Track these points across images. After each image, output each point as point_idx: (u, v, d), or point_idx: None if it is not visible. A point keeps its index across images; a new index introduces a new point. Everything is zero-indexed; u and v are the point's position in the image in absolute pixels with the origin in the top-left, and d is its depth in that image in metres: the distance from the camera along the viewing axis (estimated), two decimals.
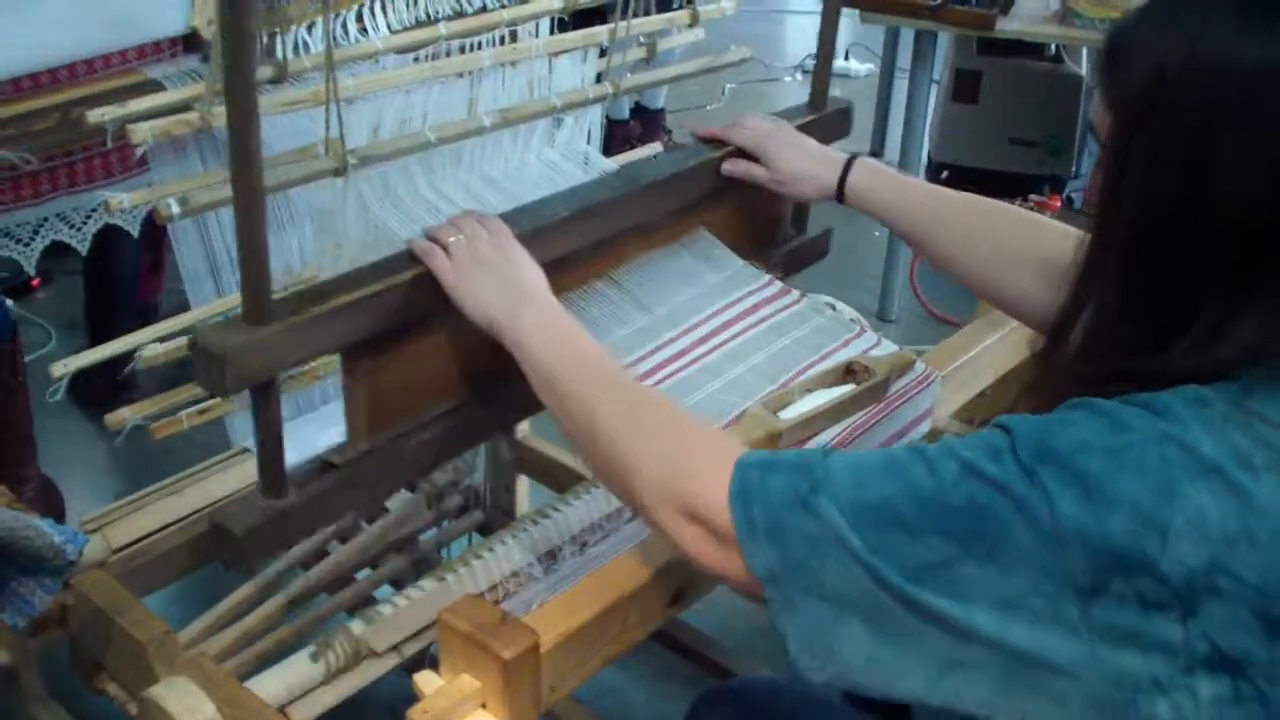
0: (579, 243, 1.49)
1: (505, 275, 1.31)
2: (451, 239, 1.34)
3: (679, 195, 1.61)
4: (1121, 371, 0.98)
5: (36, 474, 2.60)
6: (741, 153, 1.65)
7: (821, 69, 1.82)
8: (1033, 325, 1.40)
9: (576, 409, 1.20)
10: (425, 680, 1.18)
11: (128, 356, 1.45)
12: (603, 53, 1.74)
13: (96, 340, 2.84)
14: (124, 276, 2.96)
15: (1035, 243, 1.44)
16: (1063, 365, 1.06)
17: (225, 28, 1.07)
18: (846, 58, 6.09)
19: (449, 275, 1.32)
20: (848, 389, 1.43)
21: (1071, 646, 0.91)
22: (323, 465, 1.37)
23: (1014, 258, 1.45)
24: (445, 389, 1.45)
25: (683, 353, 1.49)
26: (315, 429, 1.66)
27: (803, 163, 1.62)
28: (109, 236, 1.93)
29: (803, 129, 1.70)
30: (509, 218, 1.41)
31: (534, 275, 1.32)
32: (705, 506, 1.06)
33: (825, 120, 1.81)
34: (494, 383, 1.45)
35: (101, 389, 2.90)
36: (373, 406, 1.37)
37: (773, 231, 1.84)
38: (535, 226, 1.42)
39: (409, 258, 1.34)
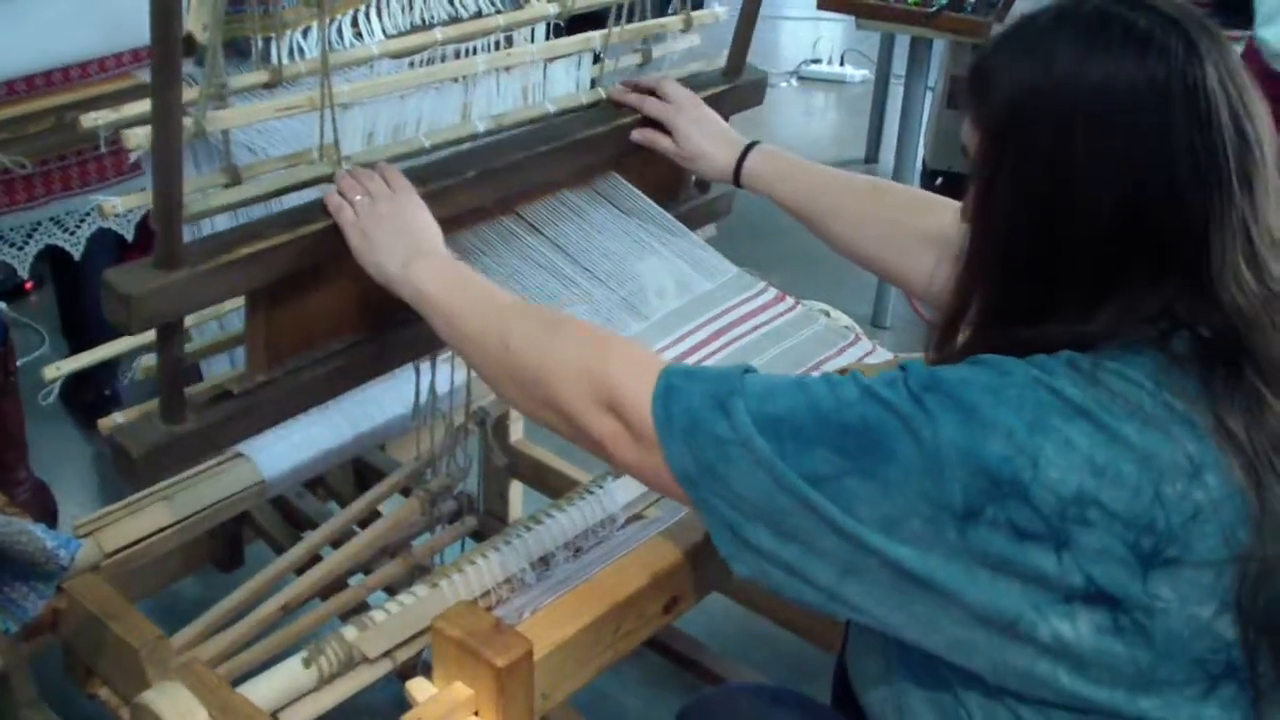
0: (486, 199, 1.55)
1: (401, 232, 1.38)
2: (357, 197, 1.40)
3: (588, 154, 1.66)
4: (1004, 345, 1.05)
5: (29, 477, 2.60)
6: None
7: (743, 33, 1.84)
8: (931, 302, 1.46)
9: (489, 339, 1.27)
10: (418, 688, 1.18)
11: (114, 369, 1.47)
12: (597, 59, 1.74)
13: (76, 350, 2.85)
14: (99, 297, 2.94)
15: (929, 221, 1.51)
16: (956, 353, 1.12)
17: None
18: (841, 63, 6.09)
19: (352, 232, 1.38)
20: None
21: (951, 569, 0.98)
22: (221, 393, 1.44)
23: (909, 237, 1.53)
24: (341, 328, 1.52)
25: (679, 359, 1.48)
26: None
27: (705, 142, 1.68)
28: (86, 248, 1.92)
29: (715, 98, 1.75)
30: (415, 172, 1.47)
31: (429, 231, 1.39)
32: (628, 401, 1.13)
33: (738, 90, 1.84)
34: (388, 325, 1.54)
35: (89, 402, 2.91)
36: (271, 341, 1.44)
37: (675, 189, 1.88)
38: (442, 185, 1.47)
39: (313, 210, 1.39)
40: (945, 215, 1.46)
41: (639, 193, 1.71)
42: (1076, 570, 0.95)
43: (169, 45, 1.11)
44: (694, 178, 1.90)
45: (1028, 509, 0.95)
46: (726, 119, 1.79)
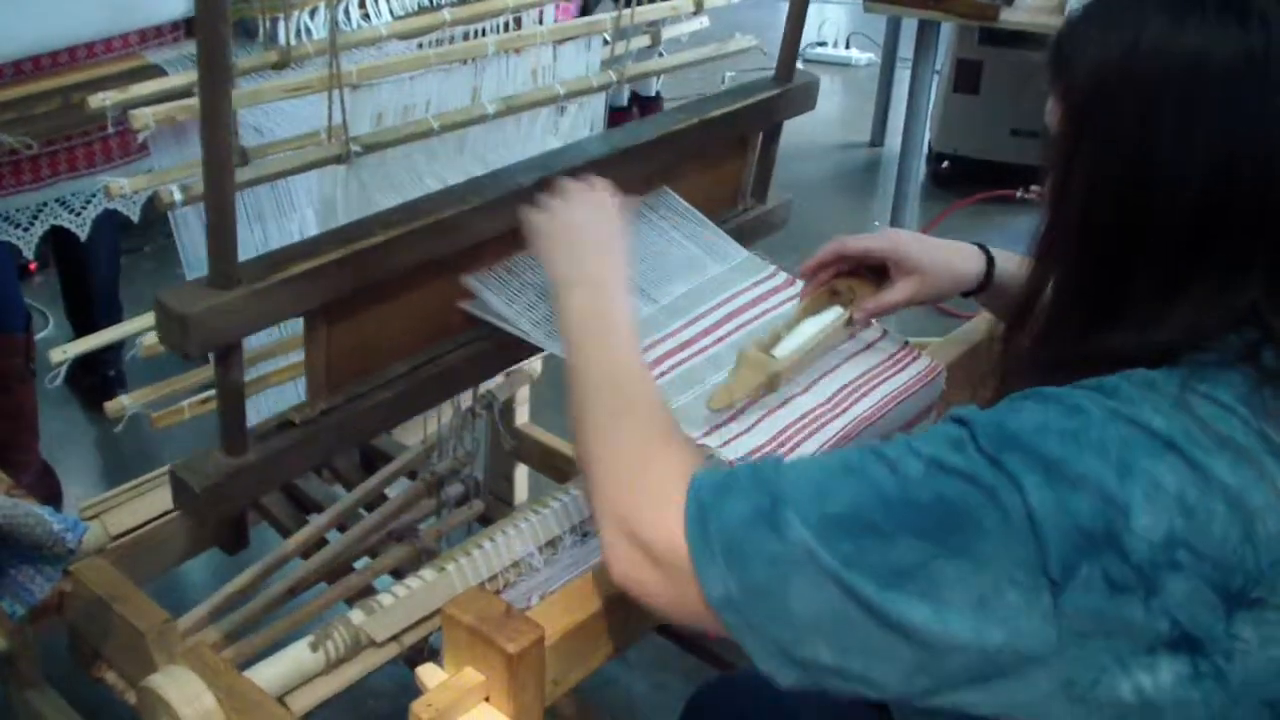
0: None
1: (572, 245, 1.32)
2: (552, 199, 1.37)
3: (644, 163, 1.62)
4: (1073, 355, 1.01)
5: (37, 459, 2.61)
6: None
7: (790, 38, 1.79)
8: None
9: (581, 399, 1.18)
10: (428, 674, 1.17)
11: (120, 351, 1.45)
12: (607, 41, 1.73)
13: (80, 331, 2.86)
14: (102, 274, 2.97)
15: None
16: (1023, 348, 1.08)
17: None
18: (847, 46, 6.08)
19: (534, 243, 1.36)
20: (835, 312, 1.43)
21: (1043, 634, 0.90)
22: (283, 423, 1.40)
23: None
24: (403, 352, 1.47)
25: (688, 343, 1.48)
26: None
27: (947, 254, 1.51)
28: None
29: (768, 103, 1.73)
30: (474, 186, 1.44)
31: (599, 247, 1.31)
32: (653, 532, 1.03)
33: (793, 93, 1.80)
34: (452, 345, 1.50)
35: (93, 384, 2.92)
36: (331, 367, 1.39)
37: (733, 198, 1.85)
38: (500, 194, 1.43)
39: (368, 225, 1.35)
40: None
41: (683, 201, 1.69)
42: (1163, 615, 0.89)
43: (217, 48, 1.07)
44: (749, 189, 1.86)
45: (1120, 560, 0.89)
46: (780, 125, 1.78)
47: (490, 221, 1.43)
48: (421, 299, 1.43)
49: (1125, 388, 0.94)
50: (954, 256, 1.51)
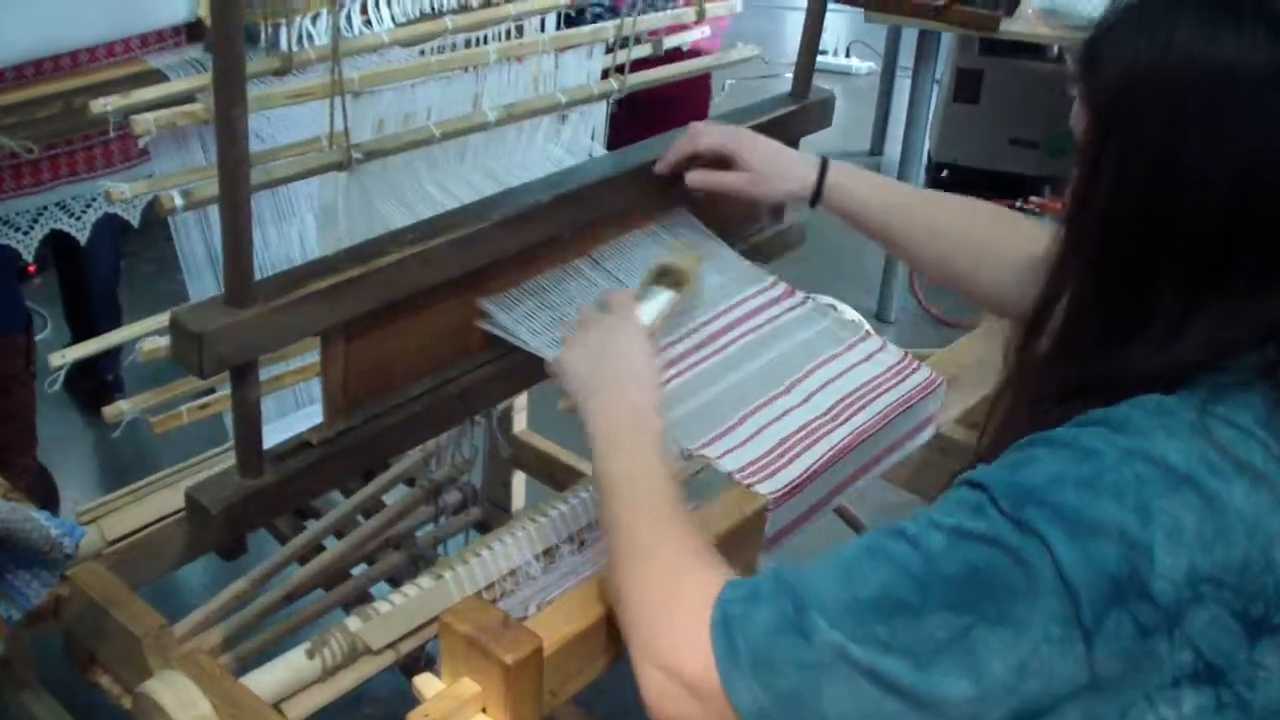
0: (561, 227, 1.51)
1: (597, 360, 1.28)
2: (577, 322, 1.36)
3: (659, 181, 1.61)
4: (1088, 375, 1.00)
5: (35, 462, 2.61)
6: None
7: (806, 56, 1.80)
8: (1014, 320, 1.38)
9: (608, 520, 1.16)
10: (425, 683, 1.17)
11: (117, 355, 1.45)
12: (609, 49, 1.73)
13: (78, 335, 2.87)
14: (102, 277, 2.97)
15: (1011, 239, 1.45)
16: (1036, 364, 1.07)
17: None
18: (848, 55, 6.08)
19: (557, 362, 1.33)
20: (667, 296, 1.45)
21: (1075, 677, 0.90)
22: (299, 444, 1.38)
23: (991, 254, 1.46)
24: (421, 372, 1.46)
25: (686, 354, 1.48)
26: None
27: (781, 160, 1.58)
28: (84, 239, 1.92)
29: (783, 120, 1.72)
30: (490, 203, 1.43)
31: (624, 360, 1.28)
32: (682, 657, 1.01)
33: (809, 109, 1.80)
34: (471, 366, 1.49)
35: (91, 387, 2.93)
36: (349, 387, 1.38)
37: (750, 217, 1.84)
38: (517, 211, 1.43)
39: (384, 243, 1.35)
40: (1037, 237, 1.38)
41: (694, 217, 1.69)
42: (1186, 647, 0.89)
43: (233, 62, 1.07)
44: (767, 208, 1.84)
45: (1147, 603, 0.88)
46: (796, 142, 1.75)
47: (508, 239, 1.42)
48: (439, 317, 1.42)
49: (1136, 418, 0.94)
50: (786, 159, 1.57)
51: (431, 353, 1.44)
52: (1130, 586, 0.88)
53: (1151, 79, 0.97)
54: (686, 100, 3.04)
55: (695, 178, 1.59)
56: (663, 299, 1.44)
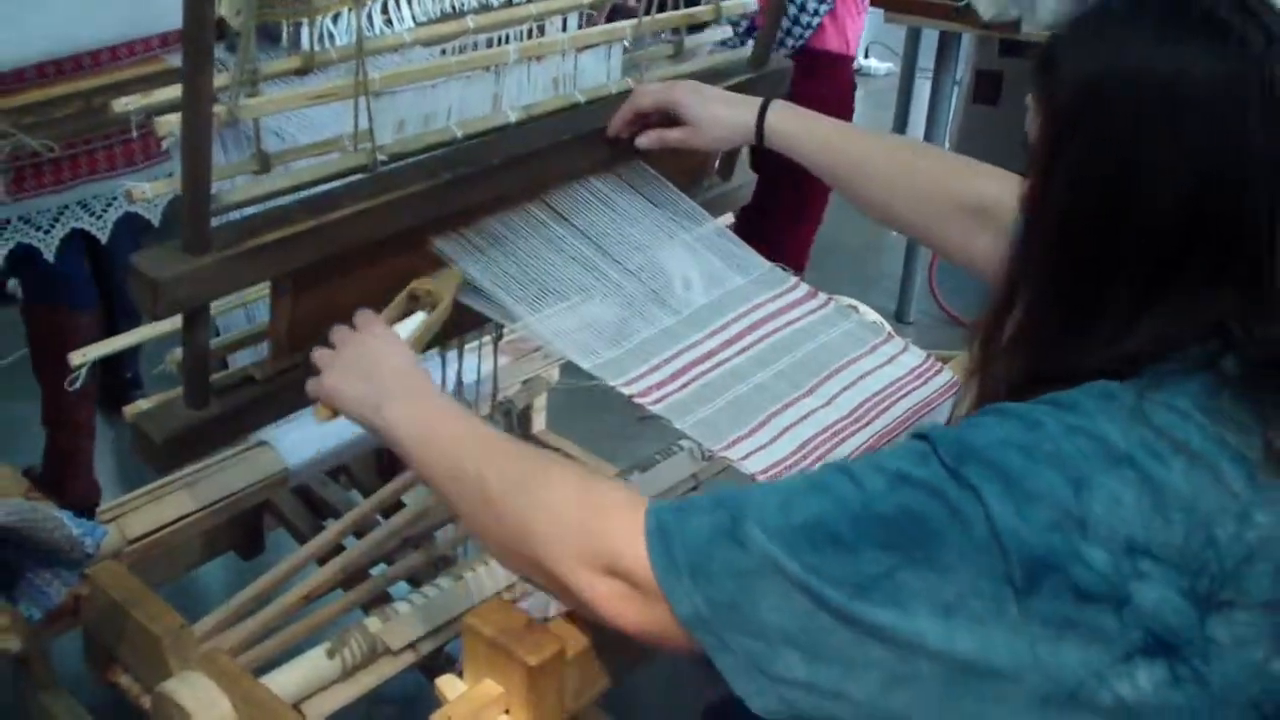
0: (511, 187, 1.53)
1: (368, 375, 1.26)
2: (317, 354, 1.30)
3: (615, 143, 1.64)
4: (1044, 366, 1.02)
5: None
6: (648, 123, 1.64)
7: (769, 22, 1.81)
8: (970, 270, 1.44)
9: (465, 489, 1.15)
10: (448, 685, 1.17)
11: (137, 354, 1.46)
12: (628, 48, 1.73)
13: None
14: (122, 276, 2.99)
15: (971, 188, 1.46)
16: (998, 354, 1.09)
17: None
18: (866, 56, 6.07)
19: (321, 390, 1.28)
20: (418, 318, 1.44)
21: (1014, 646, 0.92)
22: (243, 379, 1.45)
23: (949, 203, 1.47)
24: None
25: (709, 354, 1.47)
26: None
27: (718, 106, 1.60)
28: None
29: (740, 87, 1.73)
30: (443, 160, 1.46)
31: (395, 367, 1.27)
32: (621, 556, 1.03)
33: (765, 79, 1.81)
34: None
35: (110, 385, 2.94)
36: (294, 327, 1.43)
37: (698, 176, 1.86)
38: (469, 171, 1.46)
39: (338, 197, 1.38)
40: (989, 183, 1.44)
41: (668, 183, 1.69)
42: (1136, 625, 0.91)
43: (201, 26, 1.10)
44: (716, 164, 1.88)
45: (1083, 570, 0.91)
46: None
47: (457, 198, 1.45)
48: (386, 269, 1.45)
49: (1083, 401, 0.97)
50: (724, 106, 1.59)
51: (376, 301, 1.44)
52: (1064, 552, 0.91)
53: (1106, 85, 1.00)
54: (828, 99, 3.09)
55: (642, 140, 1.63)
56: (414, 321, 1.43)
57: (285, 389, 1.46)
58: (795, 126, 1.57)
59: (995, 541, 0.92)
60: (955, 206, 1.46)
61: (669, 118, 1.61)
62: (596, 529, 1.06)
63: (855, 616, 0.94)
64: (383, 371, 1.25)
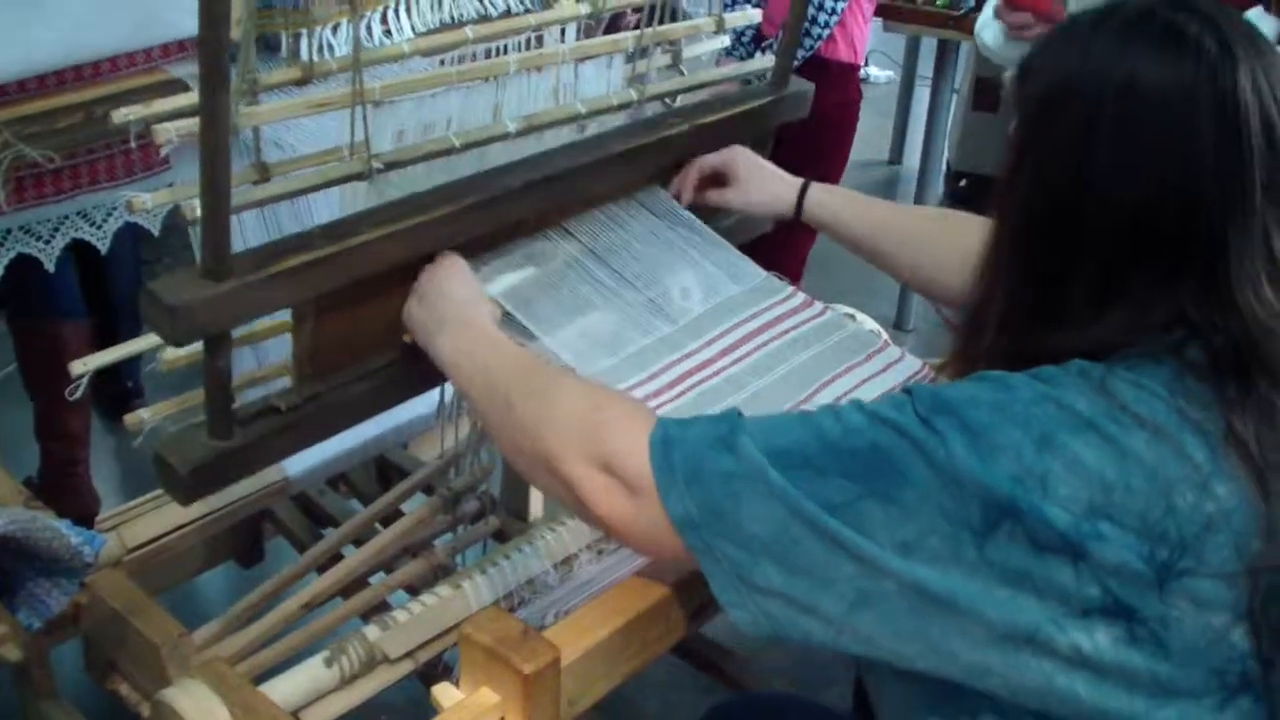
0: (532, 211, 1.55)
1: (432, 304, 1.40)
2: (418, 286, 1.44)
3: (636, 168, 1.65)
4: (1022, 350, 1.08)
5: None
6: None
7: (787, 45, 1.82)
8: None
9: (495, 404, 1.26)
10: (444, 693, 1.17)
11: (138, 362, 1.46)
12: (629, 58, 1.73)
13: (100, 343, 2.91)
14: (123, 285, 3.00)
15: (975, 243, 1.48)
16: (980, 348, 1.14)
17: None
18: (867, 64, 6.08)
19: (404, 315, 1.44)
20: (526, 271, 1.53)
21: (971, 586, 0.97)
22: (266, 409, 1.42)
23: (959, 259, 1.48)
24: (386, 342, 1.50)
25: (707, 363, 1.49)
26: None
27: (769, 181, 1.73)
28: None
29: (762, 109, 1.78)
30: (466, 184, 1.47)
31: (453, 296, 1.40)
32: (621, 452, 1.11)
33: (785, 100, 1.82)
34: None
35: (111, 394, 2.95)
36: (316, 356, 1.42)
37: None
38: (489, 195, 1.46)
39: (358, 222, 1.38)
40: None
41: (665, 192, 1.70)
42: (1094, 582, 0.95)
43: (217, 49, 1.09)
44: None
45: (1042, 524, 0.95)
46: (773, 129, 1.83)
47: (480, 220, 1.46)
48: (408, 295, 1.45)
49: (1058, 375, 1.02)
50: (772, 178, 1.73)
51: (398, 326, 1.47)
52: (1023, 504, 0.96)
53: (1067, 89, 1.06)
54: (838, 107, 3.13)
55: (691, 198, 1.74)
56: (520, 274, 1.51)
57: (309, 417, 1.44)
58: (837, 200, 1.69)
59: (955, 483, 0.97)
60: None
61: (718, 176, 1.74)
62: (599, 429, 1.14)
63: (827, 529, 1.00)
64: (443, 301, 1.39)
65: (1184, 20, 1.03)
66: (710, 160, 1.73)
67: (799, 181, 1.71)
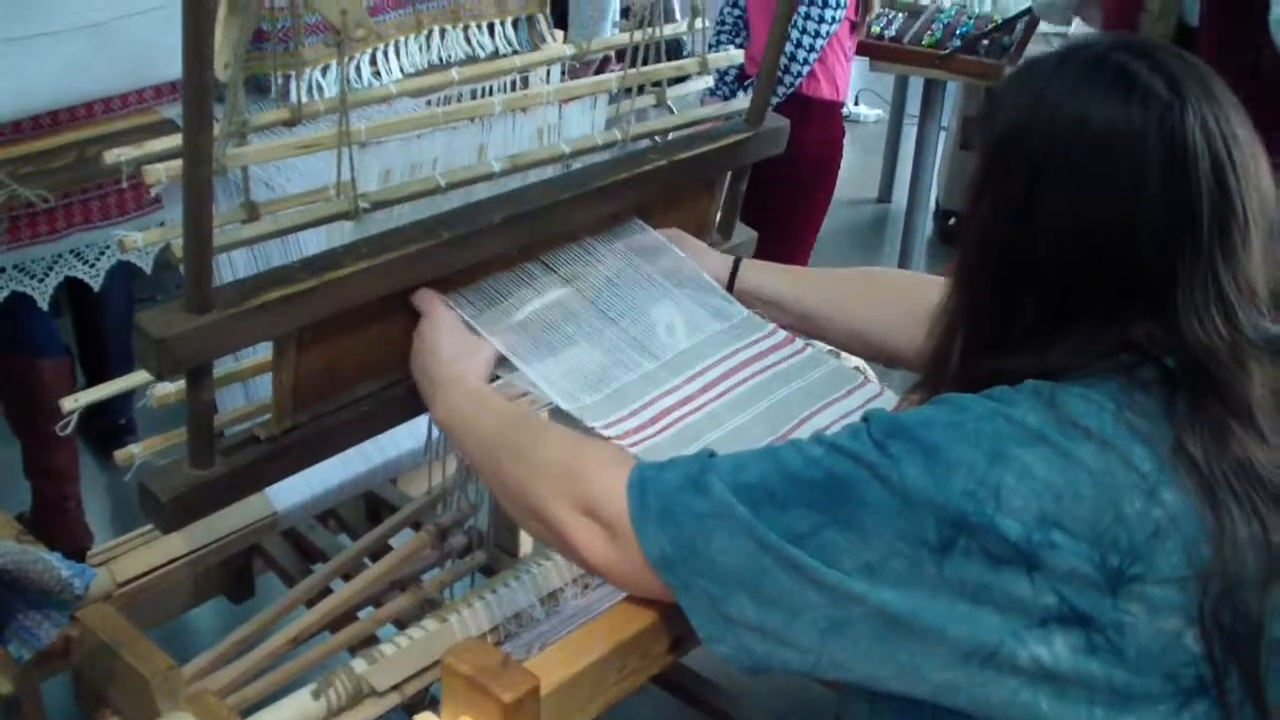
0: (511, 245, 1.56)
1: (424, 368, 1.46)
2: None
3: (612, 202, 1.67)
4: (981, 373, 1.12)
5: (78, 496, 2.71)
6: None
7: (765, 82, 1.83)
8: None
9: (488, 463, 1.34)
10: None
11: (130, 398, 1.48)
12: (613, 98, 1.76)
13: (93, 378, 2.93)
14: (115, 323, 3.02)
15: (928, 298, 1.47)
16: (944, 365, 1.18)
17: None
18: (856, 103, 6.12)
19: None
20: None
21: (934, 606, 1.00)
22: (248, 439, 1.45)
23: (910, 316, 1.50)
24: (368, 373, 1.52)
25: (688, 399, 1.50)
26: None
27: (704, 259, 1.73)
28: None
29: (739, 145, 1.80)
30: (445, 218, 1.49)
31: (443, 361, 1.44)
32: (602, 499, 1.18)
33: (760, 137, 1.84)
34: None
35: (104, 430, 2.96)
36: (298, 386, 1.44)
37: (699, 235, 1.87)
38: (469, 230, 1.48)
39: (340, 256, 1.40)
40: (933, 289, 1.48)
41: (654, 232, 1.72)
42: (1049, 591, 0.99)
43: (202, 92, 1.12)
44: (715, 226, 1.93)
45: (996, 537, 0.99)
46: (749, 166, 1.85)
47: (460, 255, 1.48)
48: (388, 326, 1.48)
49: (1010, 394, 1.07)
50: (713, 262, 1.73)
51: (379, 357, 1.51)
52: (977, 519, 0.99)
53: (1022, 130, 1.10)
54: (821, 144, 3.18)
55: None
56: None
57: (290, 448, 1.47)
58: (769, 279, 1.71)
59: (909, 504, 1.01)
60: (920, 318, 1.40)
61: None
62: (580, 474, 1.21)
63: (791, 559, 1.05)
64: (433, 361, 1.44)
65: (1136, 65, 1.07)
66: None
67: (728, 259, 1.73)
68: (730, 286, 1.71)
